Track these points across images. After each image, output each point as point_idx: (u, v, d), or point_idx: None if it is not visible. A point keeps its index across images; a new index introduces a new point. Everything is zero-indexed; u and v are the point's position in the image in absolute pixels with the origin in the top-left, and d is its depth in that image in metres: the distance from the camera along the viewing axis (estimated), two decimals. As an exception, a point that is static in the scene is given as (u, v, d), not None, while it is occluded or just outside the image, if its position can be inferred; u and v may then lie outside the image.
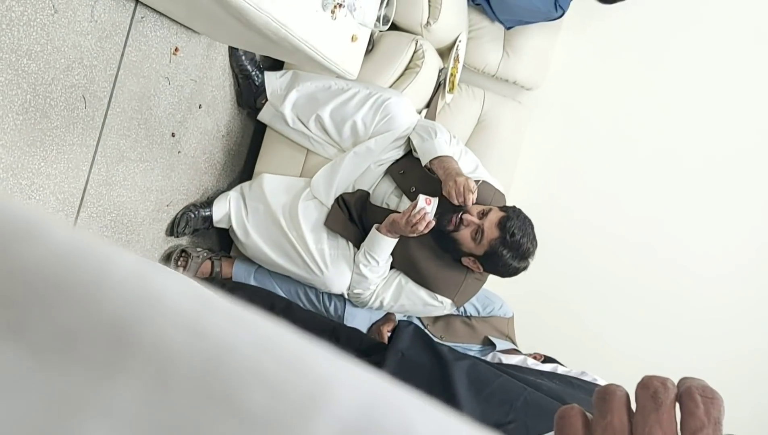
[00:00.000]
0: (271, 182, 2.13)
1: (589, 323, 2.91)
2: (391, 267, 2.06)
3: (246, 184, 2.19)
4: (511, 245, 1.87)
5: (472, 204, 1.85)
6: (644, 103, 2.88)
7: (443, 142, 1.96)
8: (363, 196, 2.06)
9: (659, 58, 2.85)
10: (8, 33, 1.41)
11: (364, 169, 2.07)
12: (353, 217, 2.05)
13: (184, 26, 1.87)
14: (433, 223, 1.83)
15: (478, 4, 2.55)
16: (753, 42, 2.77)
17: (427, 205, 1.82)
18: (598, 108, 2.91)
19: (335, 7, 1.64)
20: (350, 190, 2.09)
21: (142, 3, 1.69)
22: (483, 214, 1.91)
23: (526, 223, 1.91)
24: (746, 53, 2.79)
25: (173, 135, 2.00)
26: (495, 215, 1.90)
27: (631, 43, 2.86)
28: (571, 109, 2.93)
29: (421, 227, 1.82)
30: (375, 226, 1.97)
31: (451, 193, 1.82)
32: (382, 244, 1.95)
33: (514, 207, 1.95)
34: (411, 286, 2.03)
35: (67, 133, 1.65)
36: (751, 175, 2.81)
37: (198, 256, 2.16)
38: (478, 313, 2.30)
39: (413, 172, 2.00)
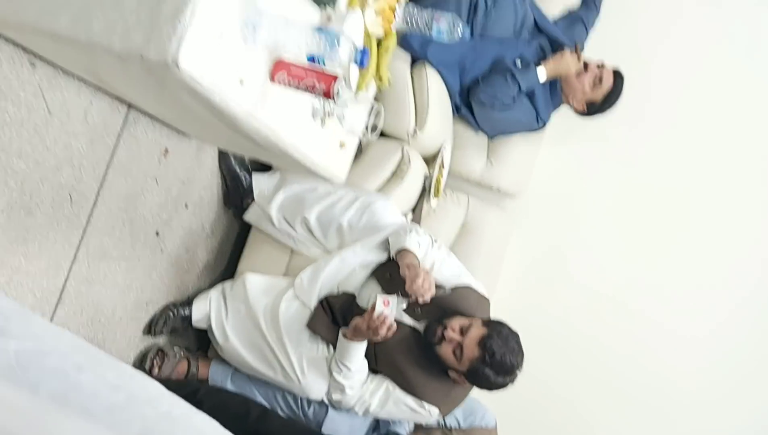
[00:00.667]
0: (254, 282, 2.11)
1: (577, 430, 2.84)
2: (378, 372, 2.02)
3: (228, 284, 2.17)
4: (492, 364, 1.86)
5: (452, 319, 1.84)
6: (625, 210, 2.93)
7: (413, 239, 1.97)
8: (349, 299, 2.05)
9: (638, 166, 2.93)
10: (0, 134, 1.43)
11: (349, 271, 2.06)
12: (337, 320, 2.03)
13: (175, 129, 1.91)
14: (395, 326, 1.81)
15: (462, 115, 2.64)
16: (731, 147, 2.87)
17: (386, 308, 1.77)
18: (582, 215, 2.95)
19: (325, 115, 1.69)
20: (335, 293, 2.07)
21: (134, 107, 1.73)
22: (464, 331, 1.90)
23: (509, 339, 1.89)
24: (725, 157, 2.88)
25: (158, 234, 2.00)
26: (476, 332, 1.89)
27: (610, 152, 2.93)
28: (555, 215, 2.97)
29: (382, 332, 1.79)
30: (341, 330, 1.95)
31: (409, 288, 1.80)
32: (351, 351, 1.92)
33: (497, 322, 1.94)
34: (398, 393, 1.99)
35: (50, 231, 1.64)
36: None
37: (174, 356, 2.10)
38: (459, 424, 2.24)
39: (399, 275, 2.00)
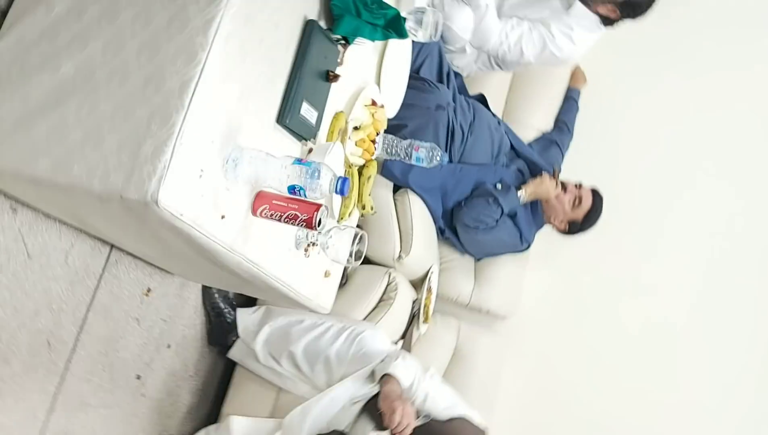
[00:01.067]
0: (239, 425, 2.01)
1: None
2: None
3: (212, 428, 2.07)
4: None
5: None
6: (616, 322, 2.90)
7: (399, 365, 1.91)
8: None
9: (620, 283, 2.93)
10: (-23, 281, 1.40)
11: (339, 408, 1.98)
12: (327, 461, 1.92)
13: (158, 267, 1.89)
14: None
15: (447, 238, 2.66)
16: (720, 256, 2.89)
17: None
18: (573, 333, 2.91)
19: (308, 246, 1.68)
20: (325, 431, 1.97)
21: (116, 247, 1.72)
22: None
23: None
24: (712, 269, 2.89)
25: (138, 377, 1.93)
26: None
27: (594, 266, 2.94)
28: (547, 334, 2.92)
29: None
30: None
31: (387, 424, 1.72)
32: None
33: None
34: None
35: (26, 380, 1.58)
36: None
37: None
38: None
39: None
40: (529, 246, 2.68)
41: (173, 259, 1.73)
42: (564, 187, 2.59)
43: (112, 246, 1.71)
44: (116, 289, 1.76)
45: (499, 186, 2.54)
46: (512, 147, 2.72)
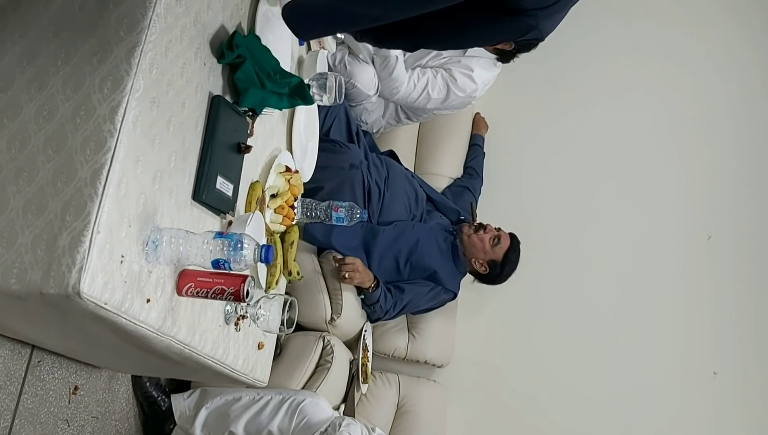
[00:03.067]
0: None
1: None
2: None
3: None
4: None
5: None
6: (547, 355, 2.98)
7: (344, 432, 1.92)
8: None
9: (546, 316, 3.04)
10: None
11: None
12: None
13: (83, 362, 1.82)
14: None
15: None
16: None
17: None
18: (509, 373, 2.96)
19: (238, 319, 1.67)
20: None
21: (38, 347, 1.65)
22: None
23: None
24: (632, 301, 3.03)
25: (73, 482, 1.83)
26: None
27: (519, 304, 3.01)
28: (484, 377, 2.96)
29: None
30: None
31: None
32: None
33: None
34: None
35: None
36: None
37: None
38: None
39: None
40: (455, 296, 2.73)
41: (99, 351, 1.67)
42: (483, 226, 2.67)
43: (34, 346, 1.64)
44: (41, 391, 1.68)
45: (362, 296, 2.53)
46: (428, 198, 2.80)
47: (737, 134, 3.25)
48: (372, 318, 2.59)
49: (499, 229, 2.70)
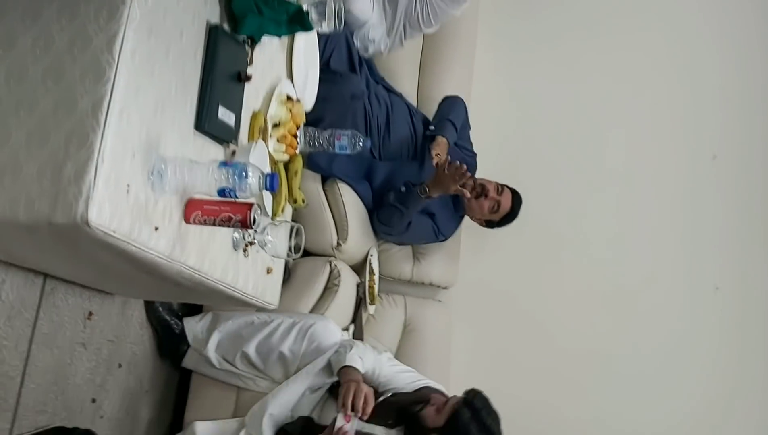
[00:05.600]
0: (204, 429, 2.03)
1: None
2: None
3: (177, 438, 2.07)
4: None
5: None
6: (551, 280, 3.04)
7: (354, 355, 1.97)
8: (307, 423, 1.98)
9: (551, 243, 3.07)
10: None
11: (299, 396, 2.01)
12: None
13: (96, 289, 1.88)
14: None
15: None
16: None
17: (347, 423, 1.77)
18: (512, 293, 3.02)
19: (246, 245, 1.70)
20: (289, 420, 2.01)
21: (50, 275, 1.69)
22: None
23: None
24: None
25: (94, 400, 1.91)
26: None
27: (526, 231, 3.03)
28: (488, 297, 3.02)
29: None
30: None
31: (345, 402, 1.80)
32: None
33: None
34: None
35: (-25, 424, 1.55)
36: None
37: None
38: None
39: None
40: (445, 239, 2.73)
41: (111, 279, 1.72)
42: (485, 191, 2.58)
43: (46, 275, 1.68)
44: (56, 317, 1.74)
45: (403, 188, 2.50)
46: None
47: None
48: (388, 223, 2.55)
49: (501, 190, 2.61)
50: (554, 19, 3.23)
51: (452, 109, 2.71)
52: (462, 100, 2.77)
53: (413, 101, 2.93)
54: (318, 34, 2.07)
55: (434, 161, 2.45)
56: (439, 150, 2.52)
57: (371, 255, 2.64)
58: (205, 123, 1.47)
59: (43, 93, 1.22)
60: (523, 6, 3.17)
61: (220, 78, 1.50)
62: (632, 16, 3.22)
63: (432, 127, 2.65)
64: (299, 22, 1.68)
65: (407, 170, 2.57)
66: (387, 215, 2.52)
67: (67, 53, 1.22)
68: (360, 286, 2.56)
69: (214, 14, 1.52)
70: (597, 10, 3.22)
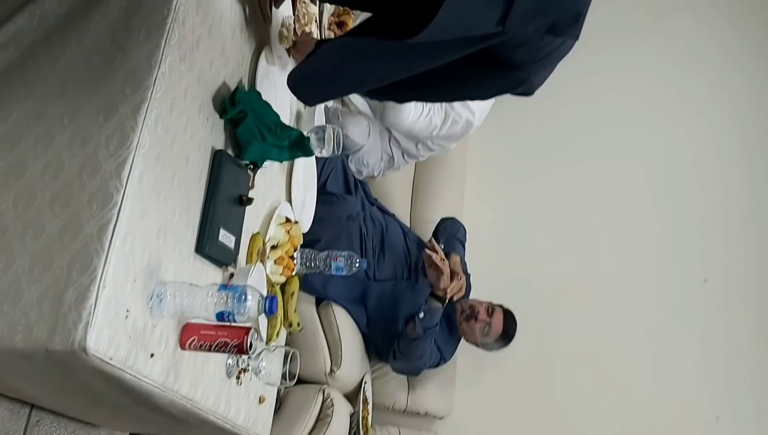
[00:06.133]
0: None
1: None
2: None
3: None
4: None
5: None
6: (550, 399, 2.97)
7: None
8: None
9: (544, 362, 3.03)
10: None
11: None
12: None
13: (82, 421, 1.79)
14: None
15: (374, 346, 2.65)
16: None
17: None
18: (512, 421, 2.94)
19: (240, 372, 1.65)
20: None
21: (37, 406, 1.62)
22: None
23: None
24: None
25: None
26: None
27: (523, 355, 3.00)
28: (487, 427, 2.93)
29: None
30: None
31: None
32: None
33: None
34: None
35: None
36: None
37: None
38: None
39: None
40: (446, 362, 2.69)
41: (100, 409, 1.65)
42: (475, 313, 2.57)
43: (33, 405, 1.61)
44: (39, 451, 1.65)
45: (421, 314, 2.44)
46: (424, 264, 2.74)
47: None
48: (412, 355, 2.48)
49: (492, 311, 2.58)
50: (542, 143, 3.38)
51: (457, 229, 2.76)
52: (460, 222, 2.81)
53: (406, 222, 2.97)
54: (316, 158, 2.12)
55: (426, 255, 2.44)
56: (455, 268, 2.51)
57: (365, 382, 2.57)
58: (206, 246, 1.47)
59: (50, 218, 1.22)
60: (510, 130, 3.31)
61: (223, 201, 1.52)
62: (619, 139, 3.38)
63: (442, 246, 2.63)
64: (300, 147, 1.73)
65: (401, 291, 2.56)
66: (415, 347, 2.46)
67: (76, 179, 1.24)
68: (353, 416, 2.47)
69: (219, 141, 1.56)
70: (582, 134, 3.39)
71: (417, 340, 2.44)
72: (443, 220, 2.82)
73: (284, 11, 1.94)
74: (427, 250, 2.43)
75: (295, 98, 2.03)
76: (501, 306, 2.62)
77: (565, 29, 1.31)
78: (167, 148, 1.35)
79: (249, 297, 1.36)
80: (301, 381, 2.40)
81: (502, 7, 1.21)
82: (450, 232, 2.74)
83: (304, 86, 1.56)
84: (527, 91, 1.63)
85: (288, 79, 1.57)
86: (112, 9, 1.38)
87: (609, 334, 3.07)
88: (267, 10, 1.87)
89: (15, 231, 1.23)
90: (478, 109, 2.75)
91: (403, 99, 2.03)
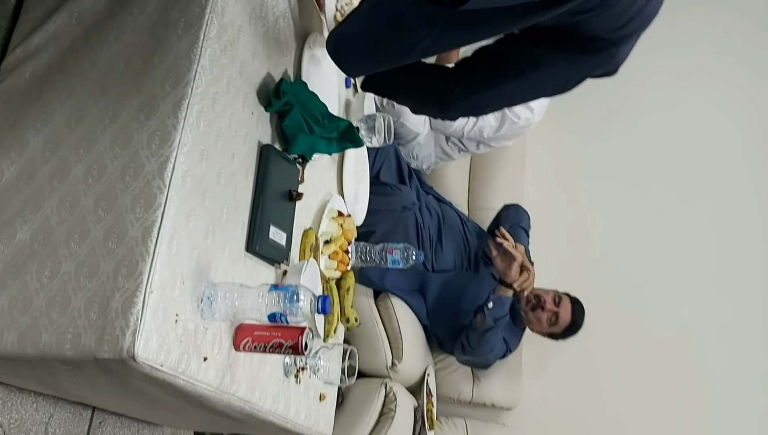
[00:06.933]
0: None
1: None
2: None
3: None
4: None
5: None
6: (615, 395, 2.83)
7: None
8: None
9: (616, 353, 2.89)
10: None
11: None
12: None
13: (145, 421, 1.79)
14: None
15: (435, 337, 2.58)
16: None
17: None
18: (580, 411, 2.82)
19: (298, 371, 1.61)
20: None
21: (99, 408, 1.62)
22: None
23: None
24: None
25: None
26: None
27: (590, 347, 2.88)
28: (555, 418, 2.83)
29: None
30: None
31: None
32: None
33: None
34: None
35: None
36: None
37: None
38: None
39: None
40: (511, 352, 2.59)
41: (159, 410, 1.63)
42: (541, 303, 2.45)
43: (94, 408, 1.61)
44: (103, 453, 1.65)
45: (490, 304, 2.34)
46: (484, 252, 2.62)
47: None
48: (481, 349, 2.40)
49: (559, 300, 2.47)
50: (606, 120, 3.21)
51: (521, 217, 2.65)
52: (524, 209, 2.70)
53: (464, 210, 2.87)
54: (367, 148, 2.06)
55: (493, 253, 2.33)
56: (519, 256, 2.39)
57: (428, 375, 2.50)
58: (257, 244, 1.42)
59: (94, 222, 1.19)
60: (571, 106, 3.13)
61: (272, 198, 1.47)
62: (694, 108, 3.16)
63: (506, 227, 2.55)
64: (349, 138, 1.66)
65: (462, 281, 2.48)
66: (486, 340, 2.37)
67: (119, 181, 1.20)
68: (417, 409, 2.41)
69: (265, 135, 1.51)
70: (650, 110, 3.18)
71: (488, 331, 2.35)
72: (506, 207, 2.71)
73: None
74: (498, 238, 2.31)
75: (343, 87, 1.98)
76: (567, 294, 2.51)
77: None
78: (211, 144, 1.30)
79: (301, 297, 1.30)
80: (362, 375, 2.36)
81: None
82: (513, 220, 2.63)
83: (344, 51, 1.43)
84: (613, 68, 1.48)
85: (327, 43, 1.45)
86: (150, 2, 1.34)
87: (684, 318, 2.90)
88: None
89: (60, 236, 1.20)
90: (537, 105, 2.63)
91: (452, 115, 1.76)
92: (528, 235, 2.63)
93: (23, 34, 1.44)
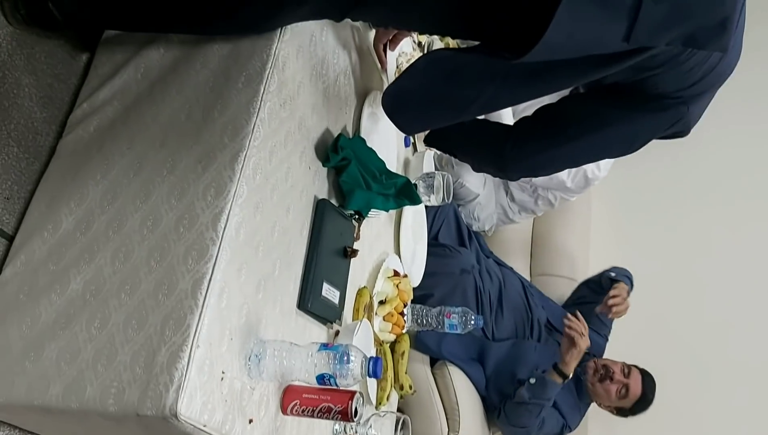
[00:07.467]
0: None
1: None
2: None
3: None
4: None
5: None
6: None
7: None
8: None
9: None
10: None
11: None
12: None
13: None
14: None
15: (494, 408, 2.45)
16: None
17: None
18: None
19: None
20: None
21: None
22: None
23: None
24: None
25: None
26: None
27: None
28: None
29: None
30: None
31: None
32: None
33: None
34: None
35: None
36: None
37: None
38: None
39: None
40: (571, 430, 2.40)
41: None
42: (610, 373, 2.31)
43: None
44: None
45: (533, 380, 2.19)
46: (549, 322, 2.51)
47: None
48: (520, 424, 2.23)
49: (628, 372, 2.32)
50: (676, 181, 3.08)
51: (626, 271, 2.56)
52: (627, 270, 2.60)
53: (526, 276, 2.77)
54: (426, 208, 2.01)
55: (566, 325, 2.17)
56: (621, 292, 2.34)
57: None
58: (309, 302, 1.38)
59: (146, 273, 1.17)
60: (639, 167, 3.02)
61: (326, 254, 1.43)
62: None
63: (613, 274, 2.48)
64: (407, 195, 1.62)
65: (523, 351, 2.35)
66: (518, 414, 2.22)
67: (173, 232, 1.19)
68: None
69: (322, 190, 1.48)
70: (722, 173, 3.03)
71: (522, 405, 2.20)
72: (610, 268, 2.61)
73: (398, 49, 1.87)
74: (570, 317, 2.18)
75: (402, 145, 1.95)
76: (636, 366, 2.35)
77: (708, 39, 1.11)
78: (266, 197, 1.28)
79: (352, 358, 1.24)
80: (416, 447, 2.24)
81: (627, 20, 1.04)
82: (619, 271, 2.54)
83: (399, 107, 1.42)
84: (684, 129, 1.41)
85: (382, 99, 1.43)
86: (213, 57, 1.36)
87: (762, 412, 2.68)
88: (383, 56, 1.81)
89: (112, 287, 1.18)
90: (604, 163, 2.56)
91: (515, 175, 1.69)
92: (632, 285, 2.49)
93: (91, 88, 1.48)
